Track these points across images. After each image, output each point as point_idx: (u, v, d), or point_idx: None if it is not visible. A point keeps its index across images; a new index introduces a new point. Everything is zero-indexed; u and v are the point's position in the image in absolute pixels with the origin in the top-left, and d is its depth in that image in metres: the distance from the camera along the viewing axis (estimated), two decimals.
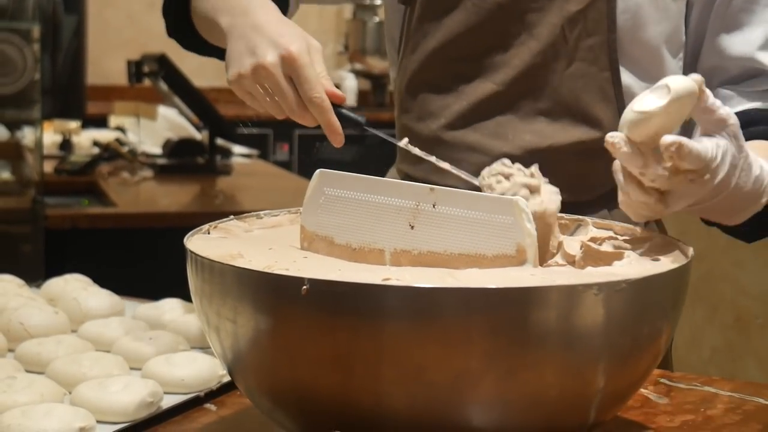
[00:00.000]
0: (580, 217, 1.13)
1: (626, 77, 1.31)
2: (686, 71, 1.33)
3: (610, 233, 1.08)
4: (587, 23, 1.28)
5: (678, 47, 1.33)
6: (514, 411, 0.88)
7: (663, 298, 0.93)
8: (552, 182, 1.31)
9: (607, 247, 1.02)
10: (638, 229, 1.08)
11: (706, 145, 0.96)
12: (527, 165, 1.29)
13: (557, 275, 0.95)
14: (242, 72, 1.12)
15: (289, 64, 1.09)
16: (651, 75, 1.30)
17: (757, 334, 2.58)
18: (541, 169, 1.29)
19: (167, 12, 1.42)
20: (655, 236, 1.06)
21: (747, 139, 1.05)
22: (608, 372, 0.90)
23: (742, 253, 2.57)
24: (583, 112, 1.31)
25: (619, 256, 1.00)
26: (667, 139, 0.94)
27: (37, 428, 1.00)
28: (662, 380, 1.23)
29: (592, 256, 1.01)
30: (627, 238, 1.07)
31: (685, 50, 1.35)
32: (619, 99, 1.30)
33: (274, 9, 1.18)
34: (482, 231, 0.97)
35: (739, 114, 1.15)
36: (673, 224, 2.54)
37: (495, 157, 1.33)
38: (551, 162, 1.31)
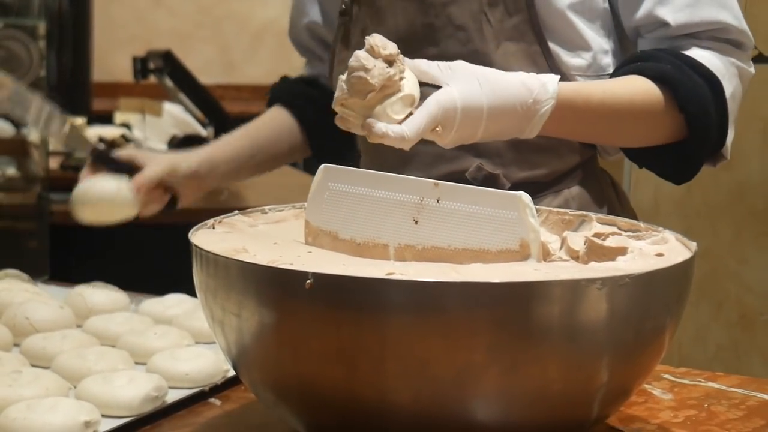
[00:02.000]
0: (584, 212, 1.13)
1: (553, 47, 1.34)
2: (619, 34, 1.37)
3: (614, 229, 1.08)
4: (507, 4, 1.33)
5: (594, 14, 1.35)
6: (517, 405, 0.88)
7: (666, 293, 0.93)
8: (509, 162, 1.35)
9: (610, 243, 1.02)
10: (642, 225, 1.08)
11: (402, 128, 1.04)
12: (482, 150, 1.34)
13: (561, 270, 0.95)
14: None
15: None
16: (573, 42, 1.34)
17: (761, 331, 2.58)
18: (495, 149, 1.34)
19: None
20: (659, 232, 1.06)
21: (627, 73, 1.25)
22: (612, 367, 0.90)
23: (747, 251, 2.56)
24: None
25: (622, 252, 1.00)
26: (368, 122, 1.03)
27: (42, 422, 1.00)
28: (666, 376, 1.23)
29: (595, 252, 1.01)
30: (631, 233, 1.07)
31: (614, 14, 1.36)
32: (553, 69, 1.34)
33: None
34: (486, 226, 0.97)
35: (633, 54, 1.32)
36: (677, 222, 2.54)
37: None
38: (504, 143, 1.35)
